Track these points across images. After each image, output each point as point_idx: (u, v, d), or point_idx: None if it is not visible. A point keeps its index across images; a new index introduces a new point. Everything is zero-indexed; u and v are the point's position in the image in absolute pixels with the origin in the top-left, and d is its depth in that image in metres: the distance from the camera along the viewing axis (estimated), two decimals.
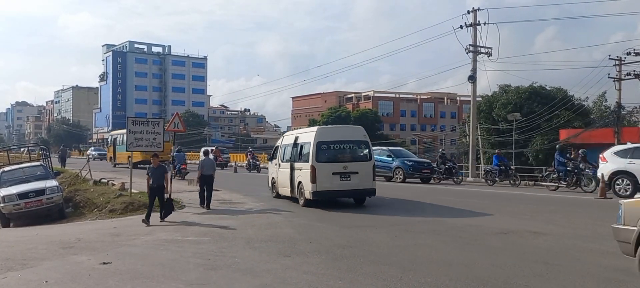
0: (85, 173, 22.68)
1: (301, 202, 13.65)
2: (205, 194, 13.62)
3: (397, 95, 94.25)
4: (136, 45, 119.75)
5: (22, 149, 34.06)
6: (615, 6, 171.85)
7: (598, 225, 10.55)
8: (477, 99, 38.55)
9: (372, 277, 6.26)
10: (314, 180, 12.89)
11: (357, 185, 13.28)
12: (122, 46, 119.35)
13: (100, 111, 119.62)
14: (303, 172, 13.54)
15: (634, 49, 31.34)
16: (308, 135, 14.01)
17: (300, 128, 28.55)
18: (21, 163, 20.84)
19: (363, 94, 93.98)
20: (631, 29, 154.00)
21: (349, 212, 12.71)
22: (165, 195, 11.84)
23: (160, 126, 15.39)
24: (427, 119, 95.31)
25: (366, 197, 13.88)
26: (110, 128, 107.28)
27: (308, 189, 13.15)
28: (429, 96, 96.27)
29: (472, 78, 30.32)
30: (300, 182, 13.67)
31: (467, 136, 39.36)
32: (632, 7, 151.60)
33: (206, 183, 13.65)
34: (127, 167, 20.82)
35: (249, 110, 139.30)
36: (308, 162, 13.21)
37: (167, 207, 11.70)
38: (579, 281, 6.03)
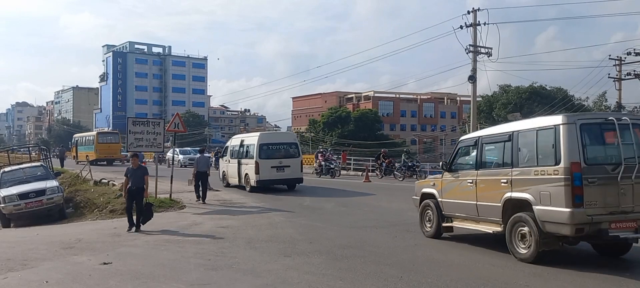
0: (86, 174, 22.69)
1: (247, 188, 17.54)
2: (201, 189, 14.99)
3: (397, 96, 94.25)
4: (136, 46, 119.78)
5: (22, 149, 34.06)
6: (615, 6, 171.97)
7: None
8: (478, 99, 38.56)
9: (372, 277, 6.26)
10: (257, 172, 16.82)
11: (289, 175, 17.61)
12: (123, 47, 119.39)
13: (101, 111, 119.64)
14: (249, 166, 17.51)
15: (634, 49, 31.35)
16: (252, 139, 18.01)
17: (275, 130, 33.39)
18: (22, 163, 20.85)
19: (363, 94, 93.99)
20: (631, 29, 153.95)
21: (349, 212, 12.72)
22: (144, 199, 10.75)
23: (161, 126, 15.38)
24: (427, 119, 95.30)
25: (296, 184, 18.16)
26: (110, 128, 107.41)
27: (253, 179, 17.14)
28: (429, 96, 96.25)
29: (472, 78, 30.30)
30: (247, 174, 17.66)
31: None
32: (632, 7, 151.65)
33: (201, 179, 15.05)
34: (88, 163, 24.67)
35: (249, 111, 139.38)
36: (253, 158, 17.18)
37: (146, 212, 10.66)
38: (578, 281, 6.03)
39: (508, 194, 7.03)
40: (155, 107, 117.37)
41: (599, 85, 67.28)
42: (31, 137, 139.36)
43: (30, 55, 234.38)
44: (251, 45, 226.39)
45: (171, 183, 15.57)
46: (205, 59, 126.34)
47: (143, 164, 13.07)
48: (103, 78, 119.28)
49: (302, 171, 18.11)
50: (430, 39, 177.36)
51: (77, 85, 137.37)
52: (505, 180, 7.10)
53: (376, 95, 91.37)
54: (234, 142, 19.72)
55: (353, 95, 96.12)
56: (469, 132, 34.02)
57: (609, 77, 33.37)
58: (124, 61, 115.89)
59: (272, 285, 6.04)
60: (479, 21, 29.77)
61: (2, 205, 15.25)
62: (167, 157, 32.96)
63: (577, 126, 6.37)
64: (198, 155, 15.85)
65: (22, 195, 15.28)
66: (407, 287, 5.87)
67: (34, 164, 19.68)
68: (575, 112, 46.93)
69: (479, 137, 8.09)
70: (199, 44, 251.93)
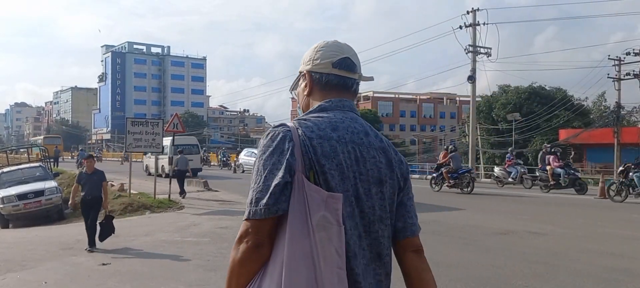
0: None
1: (163, 176, 22.46)
2: (180, 185, 16.65)
3: (397, 96, 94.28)
4: (135, 46, 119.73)
5: (21, 150, 34.16)
6: (614, 6, 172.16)
7: (598, 225, 10.56)
8: (477, 99, 38.55)
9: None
10: (170, 163, 18.37)
11: (193, 166, 22.38)
12: (121, 47, 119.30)
13: (100, 112, 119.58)
14: (165, 161, 22.51)
15: (634, 49, 31.38)
16: (166, 140, 20.16)
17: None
18: (20, 164, 20.82)
19: (362, 95, 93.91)
20: (630, 29, 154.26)
21: None
22: (103, 211, 8.97)
23: (160, 127, 15.38)
24: (426, 119, 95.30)
25: (197, 172, 25.10)
26: (109, 129, 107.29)
27: (166, 170, 22.18)
28: (428, 96, 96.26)
29: (472, 78, 30.33)
30: (162, 166, 23.43)
31: (467, 136, 39.40)
32: (631, 8, 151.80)
33: (180, 176, 16.85)
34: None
35: (248, 111, 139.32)
36: (167, 154, 20.92)
37: (105, 227, 8.62)
38: (578, 281, 6.03)
39: None
40: (154, 108, 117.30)
41: (599, 85, 67.44)
42: (29, 137, 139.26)
43: (29, 55, 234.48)
44: (250, 45, 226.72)
45: (170, 183, 15.56)
46: (204, 59, 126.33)
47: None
48: (102, 78, 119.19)
49: (201, 163, 30.21)
50: (429, 39, 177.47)
51: (75, 86, 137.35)
52: None
53: (375, 95, 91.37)
54: (165, 142, 24.84)
55: None
56: (469, 132, 34.06)
57: (608, 77, 33.40)
58: (122, 61, 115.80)
59: None
60: (478, 21, 29.82)
61: (1, 205, 15.23)
62: (239, 161, 32.61)
63: None
64: (178, 155, 17.12)
65: (21, 196, 15.25)
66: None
67: (32, 165, 19.65)
68: (576, 112, 46.93)
69: None
70: (198, 44, 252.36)
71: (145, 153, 24.70)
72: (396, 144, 57.98)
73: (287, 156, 1.39)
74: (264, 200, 1.35)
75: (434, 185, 18.88)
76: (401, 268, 1.57)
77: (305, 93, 1.62)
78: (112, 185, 19.59)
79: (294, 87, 1.70)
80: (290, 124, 1.48)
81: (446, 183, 18.29)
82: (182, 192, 16.33)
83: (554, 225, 10.36)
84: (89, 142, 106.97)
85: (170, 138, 18.80)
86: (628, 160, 19.36)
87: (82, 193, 8.66)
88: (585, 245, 8.26)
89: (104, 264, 7.21)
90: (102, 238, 8.60)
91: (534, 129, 42.57)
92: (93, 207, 8.67)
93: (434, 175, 19.36)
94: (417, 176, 30.52)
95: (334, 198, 1.38)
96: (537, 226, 10.19)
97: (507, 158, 22.85)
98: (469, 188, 17.89)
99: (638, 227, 10.49)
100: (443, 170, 18.54)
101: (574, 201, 15.43)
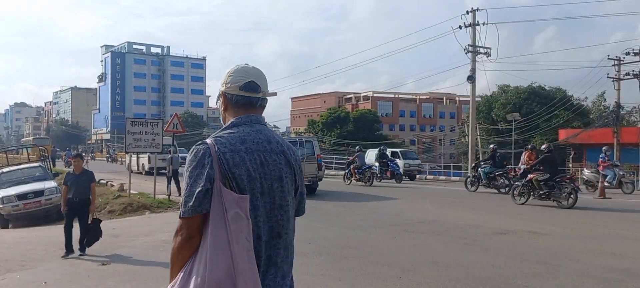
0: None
1: (143, 173, 25.50)
2: (176, 185, 16.60)
3: (396, 96, 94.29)
4: (135, 46, 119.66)
5: (20, 150, 34.17)
6: (614, 6, 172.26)
7: (597, 225, 10.56)
8: (477, 99, 38.56)
9: (371, 277, 6.25)
10: (149, 161, 19.75)
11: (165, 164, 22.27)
12: (121, 47, 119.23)
13: (99, 112, 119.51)
14: (145, 159, 25.61)
15: (633, 49, 31.38)
16: None
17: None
18: (20, 164, 20.80)
19: (362, 95, 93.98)
20: (630, 29, 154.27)
21: (348, 212, 12.71)
22: (89, 215, 8.34)
23: (159, 127, 15.36)
24: (426, 119, 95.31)
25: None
26: (108, 129, 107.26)
27: (146, 168, 25.48)
28: (428, 96, 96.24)
29: (471, 78, 30.35)
30: (143, 164, 26.05)
31: (467, 136, 39.40)
32: (631, 7, 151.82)
33: (175, 176, 17.05)
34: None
35: None
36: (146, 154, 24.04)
37: (93, 232, 8.19)
38: (578, 281, 6.03)
39: None
40: (153, 108, 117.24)
41: (598, 85, 67.47)
42: (30, 137, 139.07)
43: (29, 55, 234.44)
44: (250, 45, 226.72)
45: (169, 183, 15.55)
46: (203, 59, 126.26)
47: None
48: (101, 78, 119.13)
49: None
50: (429, 39, 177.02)
51: (75, 86, 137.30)
52: None
53: (375, 95, 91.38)
54: None
55: (352, 95, 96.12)
56: (468, 133, 34.06)
57: (607, 77, 33.42)
58: (122, 61, 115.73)
59: None
60: (477, 21, 29.84)
61: (1, 205, 15.21)
62: None
63: None
64: (170, 155, 17.68)
65: (21, 196, 15.23)
66: (406, 287, 5.86)
67: (32, 165, 19.63)
68: (575, 112, 46.98)
69: None
70: (197, 44, 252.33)
71: (126, 152, 26.59)
72: (395, 143, 58.05)
73: (207, 169, 1.83)
74: (191, 203, 1.81)
75: (516, 196, 14.30)
76: None
77: (222, 108, 2.09)
78: (112, 186, 19.60)
79: (217, 101, 2.12)
80: (209, 141, 1.91)
81: (354, 178, 21.52)
82: (178, 189, 15.85)
83: (553, 225, 10.36)
84: (89, 142, 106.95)
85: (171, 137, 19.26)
86: (628, 160, 19.38)
87: (69, 196, 8.12)
88: (585, 244, 8.26)
89: (103, 264, 7.21)
90: (89, 244, 8.14)
91: (533, 129, 42.57)
92: (80, 210, 8.14)
93: (518, 183, 14.74)
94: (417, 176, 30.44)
95: (243, 199, 1.83)
96: (536, 226, 10.19)
97: (600, 159, 19.33)
98: (369, 182, 20.87)
99: (637, 227, 10.50)
100: (351, 166, 21.80)
101: None
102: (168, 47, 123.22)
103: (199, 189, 1.81)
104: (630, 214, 12.51)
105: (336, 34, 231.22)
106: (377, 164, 23.41)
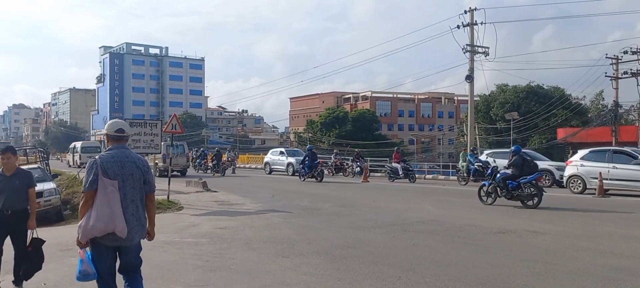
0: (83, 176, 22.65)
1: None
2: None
3: (395, 96, 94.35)
4: (133, 47, 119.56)
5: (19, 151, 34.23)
6: (612, 5, 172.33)
7: (596, 224, 10.58)
8: (475, 99, 38.60)
9: (371, 277, 6.25)
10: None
11: None
12: (119, 48, 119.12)
13: (98, 113, 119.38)
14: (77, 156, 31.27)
15: (631, 48, 31.46)
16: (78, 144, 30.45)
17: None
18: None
19: (361, 94, 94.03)
20: (628, 28, 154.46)
21: (347, 212, 12.71)
22: (28, 232, 6.30)
23: (158, 128, 15.34)
24: (425, 118, 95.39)
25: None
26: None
27: (78, 163, 27.56)
28: (426, 96, 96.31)
29: (470, 78, 30.38)
30: (76, 160, 31.25)
31: (465, 136, 39.42)
32: (629, 6, 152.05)
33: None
34: None
35: (246, 111, 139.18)
36: (78, 152, 31.71)
37: (33, 258, 6.16)
38: (577, 280, 6.04)
39: None
40: (152, 108, 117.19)
41: (596, 84, 67.44)
42: (28, 139, 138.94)
43: (27, 57, 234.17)
44: (249, 46, 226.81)
45: (168, 184, 15.54)
46: (202, 59, 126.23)
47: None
48: (100, 79, 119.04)
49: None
50: (427, 38, 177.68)
51: (74, 87, 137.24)
52: None
53: (374, 95, 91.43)
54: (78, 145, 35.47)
55: (351, 95, 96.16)
56: (467, 132, 34.07)
57: (606, 76, 33.51)
58: (120, 62, 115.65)
59: (270, 286, 6.03)
60: (475, 21, 29.87)
61: None
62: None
63: None
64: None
65: None
66: (406, 286, 5.86)
67: (30, 166, 19.60)
68: (574, 111, 46.94)
69: None
70: (196, 45, 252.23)
71: (71, 151, 32.73)
72: (394, 143, 58.15)
73: (94, 169, 4.09)
74: (87, 184, 4.08)
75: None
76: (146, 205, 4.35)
77: (106, 141, 4.38)
78: None
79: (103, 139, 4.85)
80: (97, 157, 4.17)
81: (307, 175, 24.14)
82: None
83: (552, 224, 10.37)
84: (163, 142, 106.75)
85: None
86: None
87: None
88: (584, 243, 8.27)
89: None
90: (27, 275, 6.19)
91: (531, 128, 42.64)
92: (12, 227, 6.14)
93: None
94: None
95: (113, 182, 4.09)
96: (536, 225, 10.20)
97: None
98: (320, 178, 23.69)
99: (637, 226, 10.51)
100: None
101: (572, 200, 15.45)
102: (167, 48, 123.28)
103: (91, 178, 4.10)
104: (629, 213, 12.53)
105: (335, 34, 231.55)
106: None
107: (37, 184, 15.99)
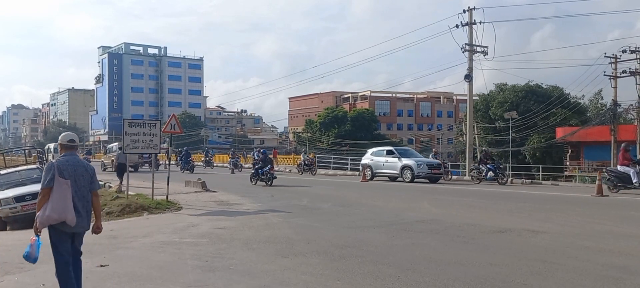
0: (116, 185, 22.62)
1: None
2: (121, 177, 20.25)
3: (394, 95, 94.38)
4: (132, 47, 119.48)
5: (17, 151, 34.30)
6: (611, 4, 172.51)
7: (595, 222, 10.59)
8: (474, 98, 38.59)
9: (370, 276, 6.25)
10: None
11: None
12: (118, 48, 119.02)
13: (97, 113, 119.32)
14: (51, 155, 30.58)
15: (630, 47, 31.46)
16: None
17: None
18: (17, 166, 20.75)
19: (360, 94, 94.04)
20: (627, 27, 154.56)
21: (346, 212, 12.71)
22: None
23: (157, 128, 15.32)
24: (424, 118, 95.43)
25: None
26: (106, 130, 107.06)
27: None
28: (425, 95, 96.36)
29: (469, 77, 30.37)
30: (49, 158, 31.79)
31: (464, 135, 39.44)
32: (627, 5, 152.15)
33: (122, 170, 20.26)
34: None
35: (245, 111, 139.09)
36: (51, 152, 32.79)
37: None
38: (576, 279, 6.04)
39: None
40: (151, 108, 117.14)
41: (595, 83, 67.63)
42: (27, 139, 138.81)
43: (26, 57, 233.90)
44: (247, 45, 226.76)
45: (168, 184, 15.53)
46: (201, 59, 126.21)
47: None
48: (99, 79, 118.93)
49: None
50: (426, 38, 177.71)
51: (72, 87, 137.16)
52: None
53: (373, 94, 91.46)
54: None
55: (350, 95, 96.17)
56: (466, 131, 34.09)
57: (604, 75, 33.50)
58: (119, 62, 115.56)
59: (269, 285, 6.03)
60: (474, 20, 29.86)
61: None
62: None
63: None
64: (118, 151, 21.62)
65: (18, 198, 15.19)
66: (405, 286, 5.86)
67: (29, 167, 19.58)
68: (572, 110, 46.92)
69: None
70: (195, 45, 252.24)
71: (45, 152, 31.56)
72: (393, 143, 58.23)
73: (53, 170, 5.07)
74: (46, 182, 5.06)
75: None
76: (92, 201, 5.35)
77: (59, 149, 5.43)
78: (110, 187, 19.57)
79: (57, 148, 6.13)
80: (54, 161, 5.21)
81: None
82: (120, 183, 19.61)
83: (551, 223, 10.38)
84: (87, 143, 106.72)
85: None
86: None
87: None
88: (583, 242, 8.28)
89: (102, 266, 7.19)
90: None
91: (530, 127, 42.65)
92: None
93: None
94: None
95: (67, 181, 5.07)
96: (535, 224, 10.20)
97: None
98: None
99: (635, 225, 10.52)
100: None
101: (571, 199, 15.47)
102: (165, 48, 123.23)
103: (49, 177, 5.01)
104: (628, 212, 12.54)
105: (334, 34, 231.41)
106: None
107: (36, 185, 16.05)
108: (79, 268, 5.32)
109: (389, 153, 25.56)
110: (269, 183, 21.70)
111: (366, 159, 26.49)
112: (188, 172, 32.78)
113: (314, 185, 21.72)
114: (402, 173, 23.82)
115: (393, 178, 24.52)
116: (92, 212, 5.35)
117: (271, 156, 26.89)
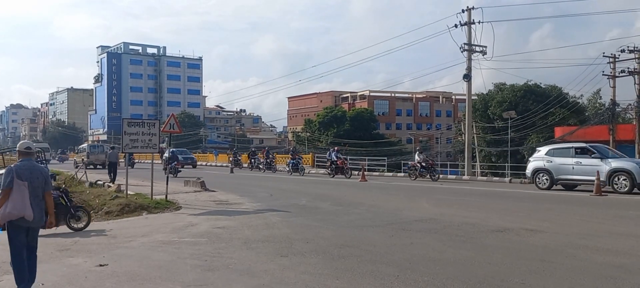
0: (81, 176, 22.65)
1: None
2: (112, 174, 22.64)
3: (393, 95, 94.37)
4: (131, 47, 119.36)
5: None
6: (610, 4, 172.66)
7: (593, 222, 10.61)
8: (473, 98, 38.62)
9: (369, 276, 6.26)
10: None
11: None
12: (117, 47, 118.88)
13: (96, 113, 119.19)
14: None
15: (628, 46, 31.48)
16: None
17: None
18: None
19: (359, 94, 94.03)
20: (625, 27, 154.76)
21: (345, 211, 12.73)
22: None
23: (156, 127, 15.33)
24: (422, 117, 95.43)
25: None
26: (105, 129, 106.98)
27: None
28: (424, 95, 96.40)
29: (467, 77, 30.39)
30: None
31: (463, 135, 39.45)
32: (626, 5, 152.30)
33: (112, 168, 23.03)
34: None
35: (244, 111, 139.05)
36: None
37: None
38: (575, 278, 6.06)
39: None
40: (150, 108, 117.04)
41: (594, 83, 67.58)
42: (26, 139, 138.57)
43: (25, 56, 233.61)
44: (246, 45, 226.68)
45: (167, 184, 15.53)
46: (200, 59, 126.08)
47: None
48: (98, 79, 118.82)
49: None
50: (425, 37, 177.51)
51: (71, 87, 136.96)
52: None
53: (372, 94, 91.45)
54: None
55: (348, 94, 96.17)
56: (465, 131, 34.11)
57: (603, 75, 33.52)
58: (118, 62, 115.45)
59: (268, 285, 6.04)
60: (473, 19, 29.87)
61: None
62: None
63: None
64: (110, 150, 23.02)
65: None
66: (404, 285, 5.88)
67: None
68: (571, 110, 46.89)
69: None
70: (194, 45, 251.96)
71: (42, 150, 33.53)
72: (392, 142, 58.30)
73: (12, 174, 5.81)
74: (6, 184, 5.76)
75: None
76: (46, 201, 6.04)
77: (18, 155, 6.14)
78: (109, 187, 19.55)
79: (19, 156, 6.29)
80: (13, 166, 5.98)
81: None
82: (113, 180, 21.73)
83: (550, 222, 10.40)
84: (86, 143, 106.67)
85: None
86: None
87: None
88: (581, 241, 8.30)
89: (101, 265, 7.20)
90: None
91: (529, 127, 42.67)
92: None
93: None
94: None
95: (24, 184, 5.81)
96: (533, 223, 10.22)
97: None
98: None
99: (634, 224, 10.54)
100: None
101: (570, 198, 15.49)
102: (164, 48, 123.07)
103: (8, 179, 5.74)
104: (626, 211, 12.56)
105: (333, 33, 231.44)
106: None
107: None
108: (34, 261, 6.08)
109: (583, 152, 18.17)
110: (175, 174, 24.48)
111: (539, 160, 19.18)
112: (172, 176, 31.55)
113: (313, 185, 21.71)
114: (612, 181, 16.90)
115: (587, 189, 17.54)
116: (46, 210, 6.07)
117: (261, 155, 32.08)
